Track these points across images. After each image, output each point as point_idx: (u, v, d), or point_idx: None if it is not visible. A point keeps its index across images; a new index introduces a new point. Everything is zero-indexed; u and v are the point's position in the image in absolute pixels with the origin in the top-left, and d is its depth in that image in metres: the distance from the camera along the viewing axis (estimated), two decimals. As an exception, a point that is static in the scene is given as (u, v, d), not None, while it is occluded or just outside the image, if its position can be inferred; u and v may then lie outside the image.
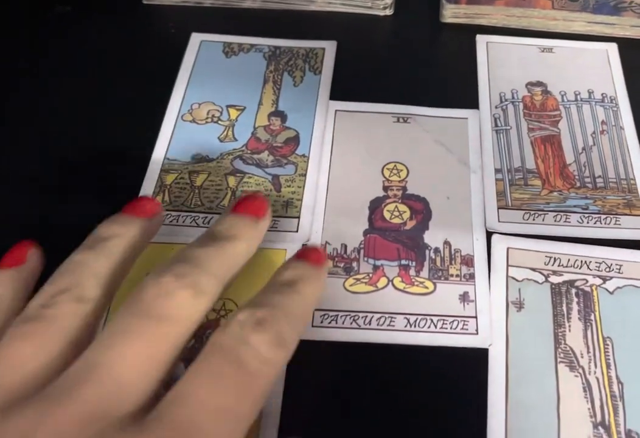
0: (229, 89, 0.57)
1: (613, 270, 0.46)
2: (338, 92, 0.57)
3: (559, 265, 0.46)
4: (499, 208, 0.50)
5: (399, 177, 0.52)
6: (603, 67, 0.60)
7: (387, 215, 0.50)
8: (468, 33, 0.62)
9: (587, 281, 0.45)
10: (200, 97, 0.56)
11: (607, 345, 0.43)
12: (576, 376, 0.42)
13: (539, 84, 0.58)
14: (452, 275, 0.46)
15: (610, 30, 0.62)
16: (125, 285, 0.45)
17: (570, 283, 0.45)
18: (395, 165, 0.52)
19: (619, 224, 0.49)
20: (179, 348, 0.33)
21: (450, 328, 0.44)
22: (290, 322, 0.33)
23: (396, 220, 0.49)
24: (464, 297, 0.45)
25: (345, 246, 0.48)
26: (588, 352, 0.43)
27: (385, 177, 0.52)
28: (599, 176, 0.52)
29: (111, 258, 0.37)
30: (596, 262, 0.46)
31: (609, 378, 0.41)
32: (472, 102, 0.57)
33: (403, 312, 0.45)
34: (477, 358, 0.43)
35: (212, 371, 0.31)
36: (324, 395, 0.42)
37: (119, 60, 0.59)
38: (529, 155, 0.53)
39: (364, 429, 0.41)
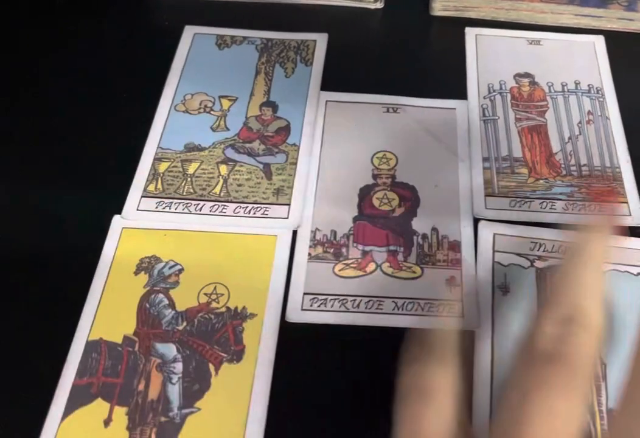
0: (221, 80, 0.58)
1: (597, 255, 0.47)
2: (329, 83, 0.58)
3: (544, 251, 0.47)
4: (486, 195, 0.51)
5: (388, 165, 0.53)
6: (590, 58, 0.60)
7: (376, 202, 0.50)
8: (457, 26, 0.63)
9: (571, 266, 0.46)
10: (193, 88, 0.57)
11: (590, 327, 0.44)
12: (559, 357, 0.42)
13: (527, 75, 0.59)
14: (439, 261, 0.47)
15: (597, 23, 0.63)
16: (120, 274, 0.46)
17: (555, 268, 0.46)
18: (384, 154, 0.53)
19: (604, 211, 0.49)
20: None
21: (437, 311, 0.45)
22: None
23: (385, 207, 0.50)
24: (451, 281, 0.46)
25: (335, 232, 0.49)
26: (571, 334, 0.43)
27: (374, 166, 0.53)
28: (585, 164, 0.53)
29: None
30: (580, 248, 0.47)
31: (592, 359, 0.42)
32: (460, 92, 0.58)
33: (391, 296, 0.45)
34: (464, 340, 0.43)
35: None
36: (313, 376, 0.42)
37: (113, 52, 0.60)
38: (516, 144, 0.54)
39: (352, 409, 0.41)
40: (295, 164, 0.52)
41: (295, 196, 0.50)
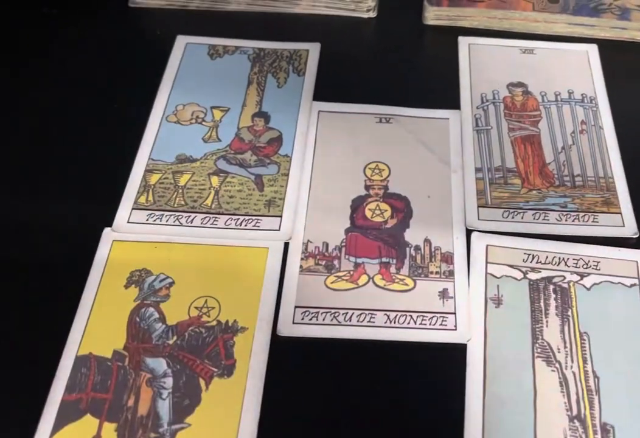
0: (213, 91, 0.58)
1: (590, 266, 0.47)
2: (321, 93, 0.58)
3: (537, 262, 0.47)
4: (479, 206, 0.50)
5: (381, 176, 0.52)
6: (583, 68, 0.60)
7: (368, 213, 0.50)
8: (450, 35, 0.63)
9: (564, 277, 0.46)
10: (184, 99, 0.57)
11: (584, 340, 0.43)
12: (553, 371, 0.42)
13: (520, 84, 0.59)
14: (432, 273, 0.47)
15: (590, 32, 0.62)
16: (110, 288, 0.46)
17: (548, 279, 0.46)
18: (377, 165, 0.53)
19: (597, 222, 0.49)
20: None
21: (430, 324, 0.44)
22: None
23: (377, 219, 0.50)
24: (444, 294, 0.46)
25: (327, 244, 0.48)
26: (565, 347, 0.43)
27: (367, 177, 0.52)
28: (578, 175, 0.52)
29: None
30: (574, 259, 0.47)
31: (585, 372, 0.42)
32: (453, 102, 0.57)
33: (383, 309, 0.45)
34: (456, 353, 0.43)
35: None
36: (304, 391, 0.42)
37: (105, 62, 0.60)
38: (509, 154, 0.54)
39: (344, 423, 0.41)
40: (287, 175, 0.52)
41: (287, 208, 0.50)
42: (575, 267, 0.47)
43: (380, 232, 0.49)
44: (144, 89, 0.58)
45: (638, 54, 0.62)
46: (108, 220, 0.49)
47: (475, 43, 0.62)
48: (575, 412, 0.41)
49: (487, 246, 0.48)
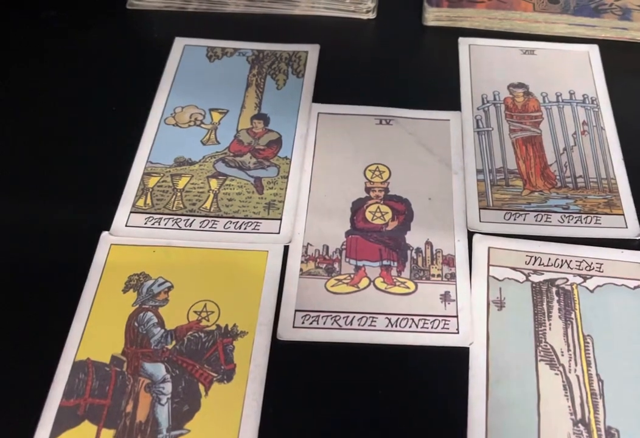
0: (212, 93, 0.57)
1: (593, 268, 0.46)
2: (321, 95, 0.57)
3: (539, 264, 0.46)
4: (480, 208, 0.50)
5: (381, 178, 0.52)
6: (584, 68, 0.60)
7: (369, 216, 0.50)
8: (450, 36, 0.62)
9: (567, 280, 0.46)
10: (183, 101, 0.57)
11: (588, 343, 0.43)
12: (556, 374, 0.42)
13: (521, 85, 0.58)
14: (433, 275, 0.46)
15: (591, 32, 0.62)
16: (108, 292, 0.45)
17: (551, 282, 0.46)
18: (377, 167, 0.53)
19: (600, 223, 0.49)
20: None
21: (432, 327, 0.44)
22: None
23: (378, 221, 0.49)
24: (445, 297, 0.45)
25: (327, 247, 0.48)
26: (568, 350, 0.43)
27: (367, 179, 0.52)
28: (580, 176, 0.52)
29: None
30: (577, 261, 0.46)
31: (589, 376, 0.42)
32: (454, 104, 0.57)
33: (384, 312, 0.45)
34: (458, 357, 0.43)
35: None
36: (305, 395, 0.42)
37: (103, 65, 0.60)
38: (511, 156, 0.53)
39: (345, 428, 0.40)
40: (287, 177, 0.52)
41: (287, 210, 0.49)
42: (578, 269, 0.46)
43: (381, 235, 0.49)
44: (142, 91, 0.57)
45: (639, 54, 0.61)
46: (106, 223, 0.49)
47: (476, 44, 0.62)
48: (579, 416, 0.40)
49: (489, 248, 0.47)
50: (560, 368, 0.42)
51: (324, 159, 0.53)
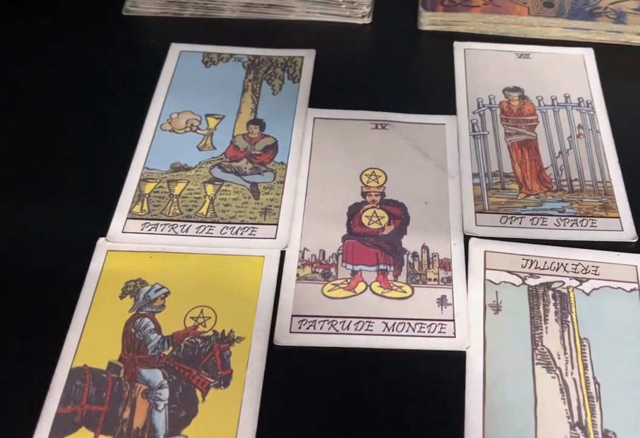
0: (208, 98, 0.58)
1: (589, 271, 0.46)
2: (317, 100, 0.57)
3: (535, 268, 0.46)
4: (476, 212, 0.50)
5: (378, 182, 0.52)
6: (579, 71, 0.60)
7: (365, 220, 0.50)
8: (445, 40, 0.62)
9: (563, 283, 0.46)
10: (179, 107, 0.57)
11: (584, 346, 0.43)
12: (553, 377, 0.42)
13: (516, 89, 0.59)
14: (430, 279, 0.46)
15: (586, 36, 0.62)
16: (105, 298, 0.45)
17: (547, 285, 0.46)
18: (373, 171, 0.53)
19: (595, 226, 0.49)
20: None
21: (428, 331, 0.44)
22: None
23: (374, 226, 0.49)
24: (442, 301, 0.45)
25: (324, 252, 0.48)
26: (565, 353, 0.43)
27: (363, 183, 0.52)
28: (576, 179, 0.52)
29: None
30: (573, 264, 0.47)
31: (586, 379, 0.42)
32: (449, 108, 0.57)
33: (381, 317, 0.45)
34: (455, 360, 0.43)
35: None
36: (302, 401, 0.42)
37: (99, 71, 0.60)
38: (506, 159, 0.53)
39: (343, 433, 0.40)
40: (283, 182, 0.52)
41: (283, 215, 0.50)
42: (575, 272, 0.46)
43: (377, 239, 0.49)
44: (138, 97, 0.57)
45: (634, 57, 0.61)
46: (102, 230, 0.49)
47: (471, 48, 0.62)
48: (576, 419, 0.40)
49: (485, 252, 0.47)
50: (557, 372, 0.42)
51: (320, 164, 0.53)
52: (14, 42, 0.62)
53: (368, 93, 0.58)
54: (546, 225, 0.49)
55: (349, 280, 0.46)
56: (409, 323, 0.44)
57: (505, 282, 0.46)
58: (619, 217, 0.50)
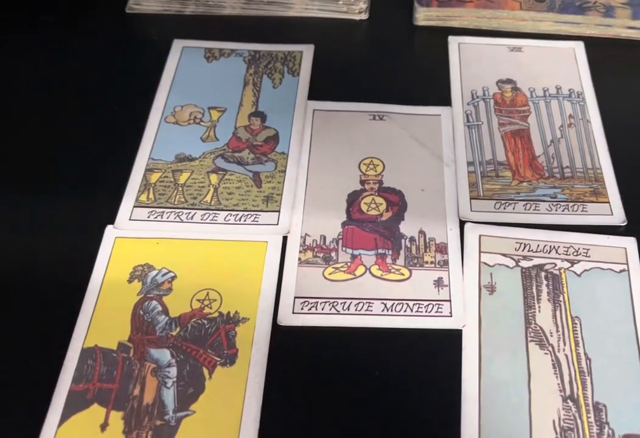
0: (210, 92, 0.59)
1: (580, 254, 0.48)
2: (316, 93, 0.59)
3: (528, 251, 0.48)
4: (471, 198, 0.52)
5: (375, 171, 0.54)
6: (570, 64, 0.62)
7: (364, 207, 0.51)
8: (440, 35, 0.64)
9: (555, 265, 0.47)
10: (182, 100, 0.58)
11: (576, 324, 0.45)
12: (546, 353, 0.43)
13: (509, 81, 0.60)
14: (427, 262, 0.48)
15: (576, 29, 0.64)
16: (114, 283, 0.47)
17: (540, 267, 0.47)
18: (371, 160, 0.54)
19: (586, 211, 0.51)
20: None
21: (426, 311, 0.46)
22: None
23: (373, 212, 0.51)
24: (439, 282, 0.47)
25: (324, 237, 0.50)
26: (557, 331, 0.44)
27: (362, 172, 0.54)
28: (567, 166, 0.54)
29: None
30: (564, 247, 0.48)
31: (577, 355, 0.43)
32: (444, 99, 0.59)
33: (380, 298, 0.46)
34: (452, 338, 0.44)
35: None
36: (305, 378, 0.43)
37: (104, 67, 0.61)
38: (500, 148, 0.55)
39: (344, 408, 0.42)
40: (284, 171, 0.53)
41: (285, 203, 0.51)
42: (566, 254, 0.48)
43: (376, 225, 0.50)
44: (142, 91, 0.59)
45: (623, 50, 0.63)
46: (110, 218, 0.50)
47: (465, 42, 0.64)
48: (568, 393, 0.42)
49: (480, 236, 0.49)
50: (550, 348, 0.44)
51: (319, 154, 0.55)
52: (17, 38, 0.64)
53: (366, 86, 0.60)
54: (539, 210, 0.51)
55: (349, 264, 0.48)
56: (407, 304, 0.46)
57: (499, 264, 0.48)
58: (608, 202, 0.51)
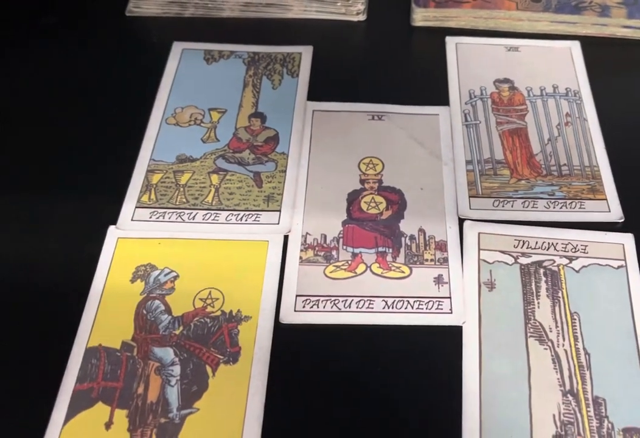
0: (210, 93, 0.60)
1: (579, 250, 0.48)
2: (315, 93, 0.60)
3: (527, 248, 0.49)
4: (470, 196, 0.52)
5: (375, 170, 0.54)
6: (567, 63, 0.62)
7: (364, 206, 0.52)
8: (438, 35, 0.65)
9: (554, 261, 0.48)
10: (183, 102, 0.59)
11: (575, 319, 0.45)
12: (545, 349, 0.44)
13: (506, 80, 0.61)
14: (427, 260, 0.49)
15: (572, 29, 0.65)
16: (117, 283, 0.47)
17: (539, 263, 0.48)
18: (371, 160, 0.55)
19: (584, 208, 0.51)
20: None
21: (426, 308, 0.46)
22: None
23: (373, 211, 0.52)
24: (439, 280, 0.48)
25: (325, 236, 0.50)
26: (556, 326, 0.45)
27: (361, 171, 0.54)
28: (564, 164, 0.54)
29: None
30: (562, 244, 0.49)
31: (577, 350, 0.44)
32: (442, 99, 0.59)
33: (381, 295, 0.47)
34: (452, 335, 0.45)
35: None
36: (307, 375, 0.44)
37: (105, 69, 0.62)
38: (498, 147, 0.56)
39: (346, 404, 0.42)
40: (285, 171, 0.54)
41: (285, 202, 0.52)
42: (564, 251, 0.48)
43: (376, 224, 0.51)
44: (143, 93, 0.59)
45: (618, 49, 0.64)
46: (113, 218, 0.51)
47: (462, 42, 0.64)
48: (568, 387, 0.42)
49: (479, 234, 0.50)
50: (549, 344, 0.44)
51: (319, 154, 0.55)
52: (19, 42, 0.64)
53: (364, 86, 0.61)
54: (537, 207, 0.51)
55: (349, 262, 0.49)
56: (408, 301, 0.46)
57: (498, 261, 0.48)
58: (606, 199, 0.52)
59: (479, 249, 0.49)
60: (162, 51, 0.63)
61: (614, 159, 0.54)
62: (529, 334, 0.45)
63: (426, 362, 0.44)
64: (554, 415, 0.41)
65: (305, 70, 0.62)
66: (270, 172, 0.54)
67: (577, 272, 0.47)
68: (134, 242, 0.50)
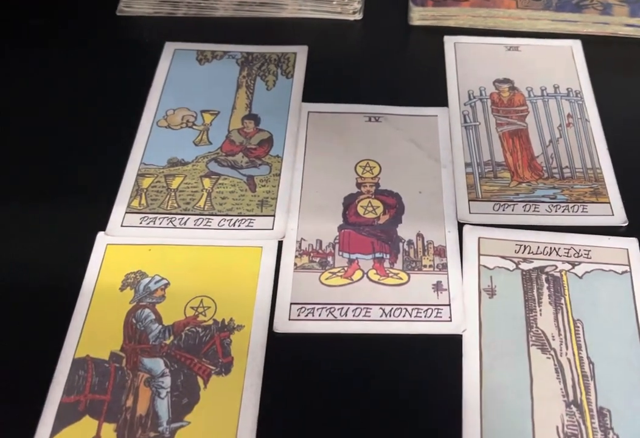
0: (203, 95, 0.58)
1: (582, 255, 0.47)
2: (310, 94, 0.58)
3: (529, 253, 0.47)
4: (469, 200, 0.51)
5: (372, 173, 0.53)
6: (568, 63, 0.61)
7: (360, 210, 0.51)
8: (436, 34, 0.63)
9: (556, 267, 0.47)
10: (174, 103, 0.58)
11: (578, 327, 0.44)
12: (548, 358, 0.42)
13: (506, 81, 0.60)
14: (425, 266, 0.47)
15: (573, 28, 0.63)
16: (106, 291, 0.46)
17: (540, 269, 0.46)
18: (367, 163, 0.54)
19: (587, 212, 0.50)
20: None
21: (425, 316, 0.45)
22: None
23: (370, 215, 0.50)
24: (438, 286, 0.46)
25: (321, 241, 0.49)
26: (559, 334, 0.43)
27: (358, 174, 0.53)
28: (566, 167, 0.53)
29: None
30: (565, 248, 0.47)
31: (580, 358, 0.42)
32: (441, 100, 0.58)
33: (378, 303, 0.45)
34: (452, 344, 0.43)
35: None
36: (302, 386, 0.42)
37: (94, 70, 0.61)
38: (498, 149, 0.54)
39: (343, 417, 0.41)
40: (279, 175, 0.52)
41: (280, 207, 0.50)
42: (567, 256, 0.47)
43: (373, 228, 0.50)
44: (134, 95, 0.58)
45: (620, 48, 0.62)
46: (102, 224, 0.49)
47: (461, 42, 0.63)
48: (571, 398, 0.41)
49: (479, 238, 0.48)
50: (552, 352, 0.43)
51: (315, 157, 0.54)
52: (7, 43, 0.63)
53: (361, 87, 0.59)
54: (538, 211, 0.50)
55: (346, 269, 0.47)
56: (406, 309, 0.45)
57: (499, 267, 0.47)
58: (609, 202, 0.50)
59: (479, 254, 0.47)
60: (154, 51, 0.62)
61: (617, 160, 0.53)
62: (530, 342, 0.43)
63: (425, 372, 0.43)
64: (557, 427, 0.40)
65: (300, 71, 0.60)
66: (264, 176, 0.52)
67: (580, 277, 0.46)
68: (124, 249, 0.48)
